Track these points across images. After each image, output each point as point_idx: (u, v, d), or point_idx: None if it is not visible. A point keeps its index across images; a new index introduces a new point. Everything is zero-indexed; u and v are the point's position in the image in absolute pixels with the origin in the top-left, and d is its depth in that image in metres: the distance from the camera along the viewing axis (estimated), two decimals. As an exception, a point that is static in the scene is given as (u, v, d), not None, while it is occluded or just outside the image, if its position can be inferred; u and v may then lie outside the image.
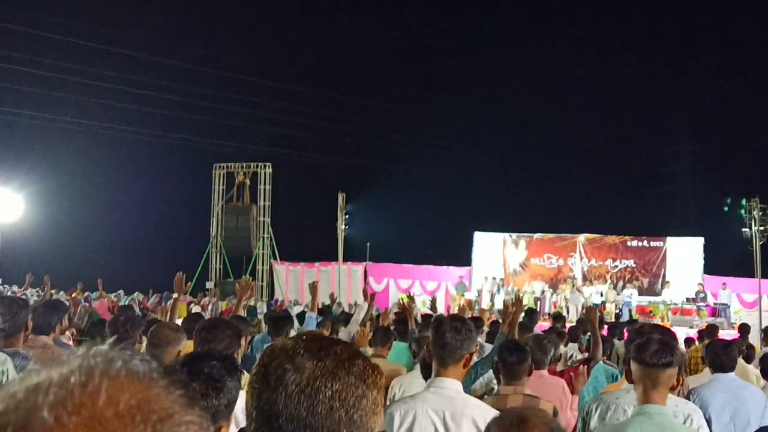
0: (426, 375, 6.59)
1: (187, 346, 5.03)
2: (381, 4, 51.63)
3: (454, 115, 48.62)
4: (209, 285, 37.93)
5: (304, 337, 1.69)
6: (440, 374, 4.08)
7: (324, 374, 1.60)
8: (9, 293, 23.36)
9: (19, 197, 40.12)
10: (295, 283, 38.36)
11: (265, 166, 40.98)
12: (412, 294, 28.94)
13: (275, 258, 40.47)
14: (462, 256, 37.37)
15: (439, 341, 4.11)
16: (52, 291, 19.36)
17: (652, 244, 35.21)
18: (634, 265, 34.99)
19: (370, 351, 7.96)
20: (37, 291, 22.64)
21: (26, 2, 45.50)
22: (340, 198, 35.31)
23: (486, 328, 11.44)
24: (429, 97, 50.33)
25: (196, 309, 20.24)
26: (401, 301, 12.21)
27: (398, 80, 50.10)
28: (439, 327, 4.17)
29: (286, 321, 8.63)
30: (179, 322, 8.34)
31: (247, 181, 41.03)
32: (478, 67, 48.92)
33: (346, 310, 21.63)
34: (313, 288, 9.80)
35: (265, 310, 21.33)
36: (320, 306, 13.89)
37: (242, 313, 9.30)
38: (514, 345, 5.84)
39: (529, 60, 47.88)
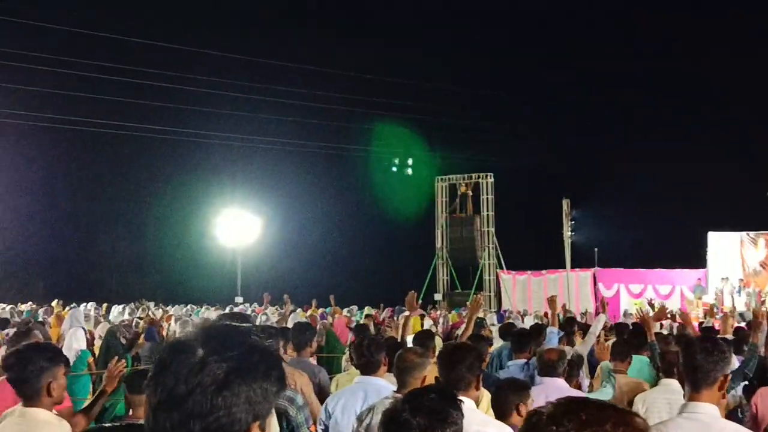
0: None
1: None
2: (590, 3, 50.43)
3: (681, 110, 46.75)
4: (437, 297, 38.37)
5: (563, 401, 1.61)
6: (693, 398, 3.88)
7: None
8: (249, 312, 24.61)
9: (256, 220, 42.24)
10: (522, 292, 38.12)
11: (486, 176, 41.02)
12: (651, 300, 27.96)
13: (501, 267, 40.39)
14: (695, 258, 35.83)
15: (689, 364, 3.92)
16: (291, 308, 20.10)
17: None
18: None
19: (610, 365, 7.75)
20: (276, 309, 23.71)
21: (247, 32, 48.01)
22: (565, 204, 34.76)
23: (729, 336, 10.72)
24: (652, 94, 48.67)
25: (427, 322, 20.46)
26: (639, 311, 11.79)
27: (616, 79, 48.74)
28: (688, 348, 3.98)
29: (530, 337, 8.55)
30: (410, 338, 8.49)
31: (470, 192, 41.28)
32: (704, 62, 46.69)
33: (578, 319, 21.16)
34: (553, 302, 9.65)
35: (495, 322, 21.29)
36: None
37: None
38: None
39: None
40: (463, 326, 9.84)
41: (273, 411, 1.71)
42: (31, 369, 3.88)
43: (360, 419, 4.96)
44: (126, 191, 56.72)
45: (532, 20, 51.09)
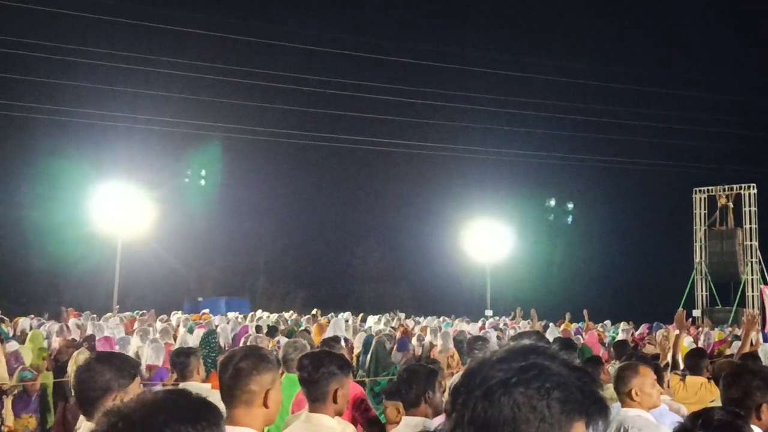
0: None
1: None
2: None
3: None
4: (696, 313, 36.74)
5: None
6: None
7: None
8: (502, 324, 24.56)
9: (507, 234, 42.23)
10: (789, 310, 35.77)
11: (748, 187, 38.90)
12: None
13: (765, 283, 38.09)
14: None
15: None
16: (540, 323, 19.86)
17: None
18: None
19: None
20: (528, 322, 23.52)
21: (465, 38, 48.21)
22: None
23: None
24: None
25: (686, 339, 19.58)
26: None
27: None
28: None
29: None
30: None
31: (730, 204, 39.31)
32: None
33: None
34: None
35: (761, 340, 20.05)
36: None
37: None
38: None
39: None
40: (728, 343, 9.31)
41: None
42: (323, 372, 4.05)
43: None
44: (378, 205, 58.59)
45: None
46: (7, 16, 37.94)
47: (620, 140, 44.84)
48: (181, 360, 6.65)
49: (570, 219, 50.48)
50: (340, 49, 41.32)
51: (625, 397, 4.98)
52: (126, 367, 3.66)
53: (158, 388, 10.31)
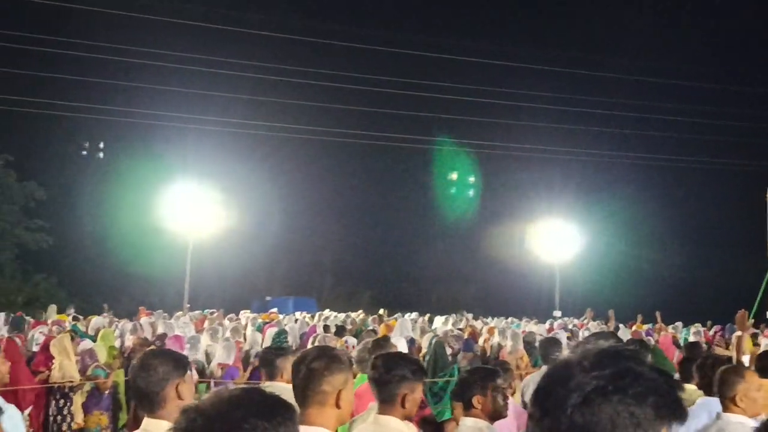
0: None
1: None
2: None
3: None
4: (770, 315, 35.91)
5: None
6: None
7: None
8: (571, 325, 24.28)
9: (575, 233, 41.82)
10: None
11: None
12: None
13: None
14: None
15: None
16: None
17: None
18: None
19: None
20: (598, 323, 23.24)
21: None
22: None
23: None
24: None
25: (763, 341, 19.16)
26: None
27: None
28: None
29: None
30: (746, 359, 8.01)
31: (804, 204, 38.33)
32: None
33: None
34: None
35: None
36: None
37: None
38: None
39: None
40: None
41: None
42: (394, 374, 4.02)
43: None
44: (444, 207, 58.55)
45: None
46: (75, 18, 38.88)
47: (693, 139, 44.10)
48: (269, 359, 6.70)
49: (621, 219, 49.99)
50: (402, 48, 41.34)
51: (728, 402, 4.81)
52: (179, 358, 3.77)
53: (230, 386, 10.42)
